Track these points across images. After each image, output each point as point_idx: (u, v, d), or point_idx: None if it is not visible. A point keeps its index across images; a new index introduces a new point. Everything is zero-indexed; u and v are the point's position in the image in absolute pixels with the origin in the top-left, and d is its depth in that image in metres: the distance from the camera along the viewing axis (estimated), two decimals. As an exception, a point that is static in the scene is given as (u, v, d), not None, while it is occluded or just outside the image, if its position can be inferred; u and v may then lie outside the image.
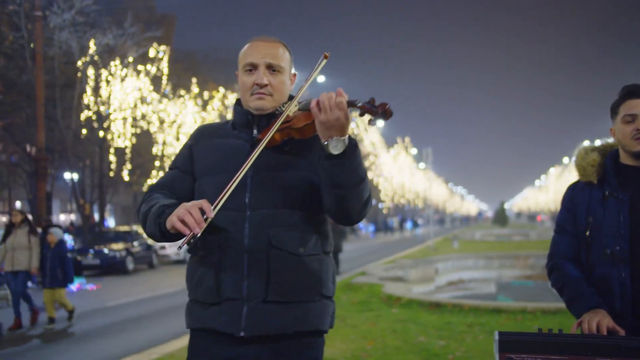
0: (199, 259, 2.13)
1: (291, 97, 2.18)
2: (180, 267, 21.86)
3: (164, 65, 27.17)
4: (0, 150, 27.38)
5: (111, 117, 25.13)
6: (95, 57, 24.43)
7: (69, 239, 22.01)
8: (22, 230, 9.74)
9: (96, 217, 32.14)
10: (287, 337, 2.04)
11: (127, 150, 26.44)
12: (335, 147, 1.91)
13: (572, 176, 74.72)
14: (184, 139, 29.12)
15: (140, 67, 26.08)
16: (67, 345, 8.39)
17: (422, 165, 54.67)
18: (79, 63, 24.01)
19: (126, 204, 46.89)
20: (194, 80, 30.47)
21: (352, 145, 1.94)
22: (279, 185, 2.07)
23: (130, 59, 25.64)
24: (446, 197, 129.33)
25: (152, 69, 26.66)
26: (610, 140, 2.68)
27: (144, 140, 28.30)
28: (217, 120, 30.85)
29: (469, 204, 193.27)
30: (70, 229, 28.46)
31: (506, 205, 77.64)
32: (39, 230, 11.54)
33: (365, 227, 55.82)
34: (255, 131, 2.14)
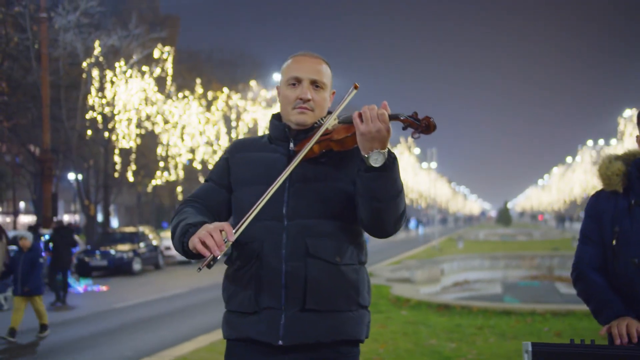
0: (236, 269, 2.14)
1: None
2: (186, 268, 21.91)
3: (169, 66, 27.17)
4: (4, 151, 27.40)
5: (116, 118, 25.17)
6: (100, 58, 24.44)
7: (81, 242, 22.00)
8: None
9: (99, 217, 32.17)
10: (324, 346, 2.06)
11: (132, 151, 26.46)
12: (376, 160, 1.93)
13: (575, 176, 74.54)
14: (188, 140, 29.16)
15: (144, 68, 26.10)
16: (76, 349, 8.40)
17: (424, 165, 54.62)
18: (84, 64, 24.02)
19: (129, 204, 46.95)
20: (198, 80, 30.46)
21: (392, 159, 1.96)
22: (316, 196, 2.09)
23: (134, 57, 25.66)
24: (449, 196, 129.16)
25: (157, 70, 26.68)
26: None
27: (149, 141, 28.33)
28: (221, 121, 30.99)
29: (472, 204, 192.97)
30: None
31: (509, 205, 77.52)
32: (49, 231, 11.52)
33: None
34: (291, 145, 2.16)
